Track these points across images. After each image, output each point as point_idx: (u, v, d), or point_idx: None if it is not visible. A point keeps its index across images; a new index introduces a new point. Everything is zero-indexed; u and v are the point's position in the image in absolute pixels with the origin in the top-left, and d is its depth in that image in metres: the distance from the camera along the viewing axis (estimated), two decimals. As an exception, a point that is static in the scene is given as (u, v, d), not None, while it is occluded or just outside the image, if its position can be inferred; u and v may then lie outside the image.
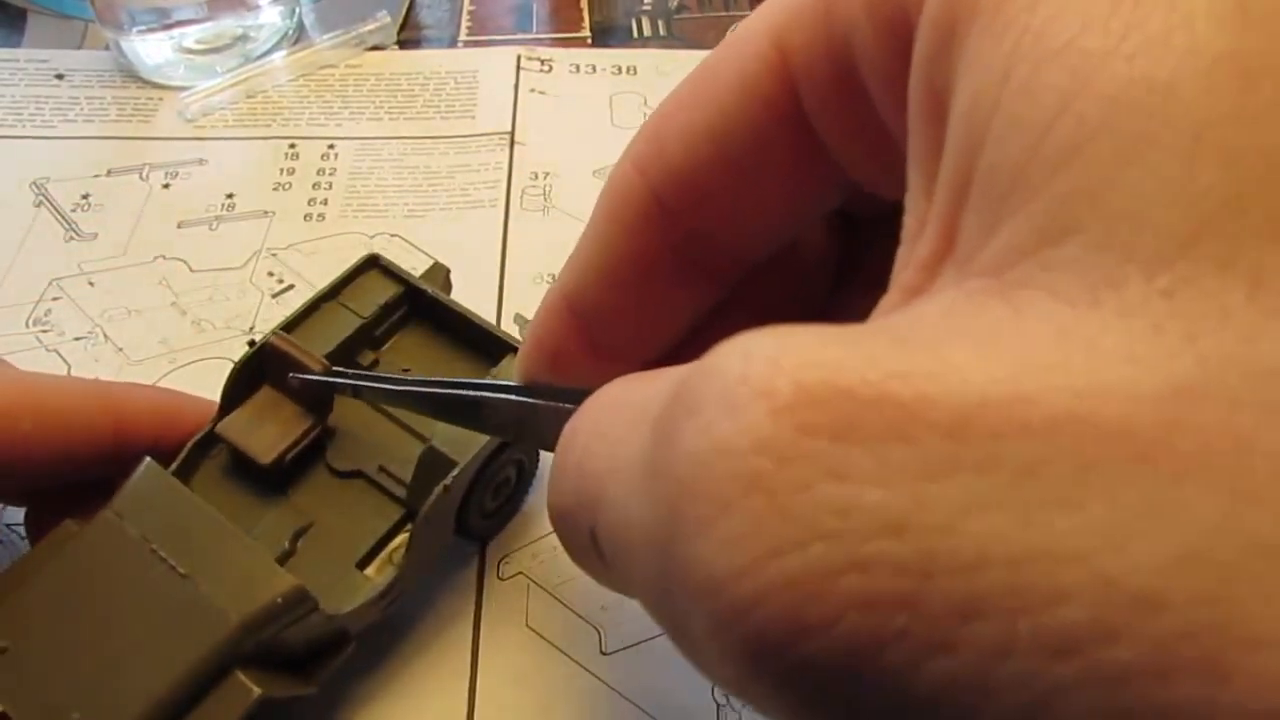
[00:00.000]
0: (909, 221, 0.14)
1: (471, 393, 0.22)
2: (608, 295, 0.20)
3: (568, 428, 0.17)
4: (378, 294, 0.32)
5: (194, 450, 0.29)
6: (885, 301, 0.14)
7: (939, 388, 0.11)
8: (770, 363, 0.12)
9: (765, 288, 0.21)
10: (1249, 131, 0.10)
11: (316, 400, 0.29)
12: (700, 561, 0.12)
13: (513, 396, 0.22)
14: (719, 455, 0.11)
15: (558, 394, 0.21)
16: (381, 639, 0.30)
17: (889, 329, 0.12)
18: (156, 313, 0.40)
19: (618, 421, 0.15)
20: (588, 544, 0.16)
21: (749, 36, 0.17)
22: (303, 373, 0.28)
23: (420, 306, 0.33)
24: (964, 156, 0.13)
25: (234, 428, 0.29)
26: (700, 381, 0.12)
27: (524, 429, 0.22)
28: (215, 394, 0.30)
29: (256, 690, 0.23)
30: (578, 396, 0.17)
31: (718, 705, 0.30)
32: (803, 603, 0.11)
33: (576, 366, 0.21)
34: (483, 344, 0.32)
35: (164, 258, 0.43)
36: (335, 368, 0.29)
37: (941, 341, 0.11)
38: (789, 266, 0.22)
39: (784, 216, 0.19)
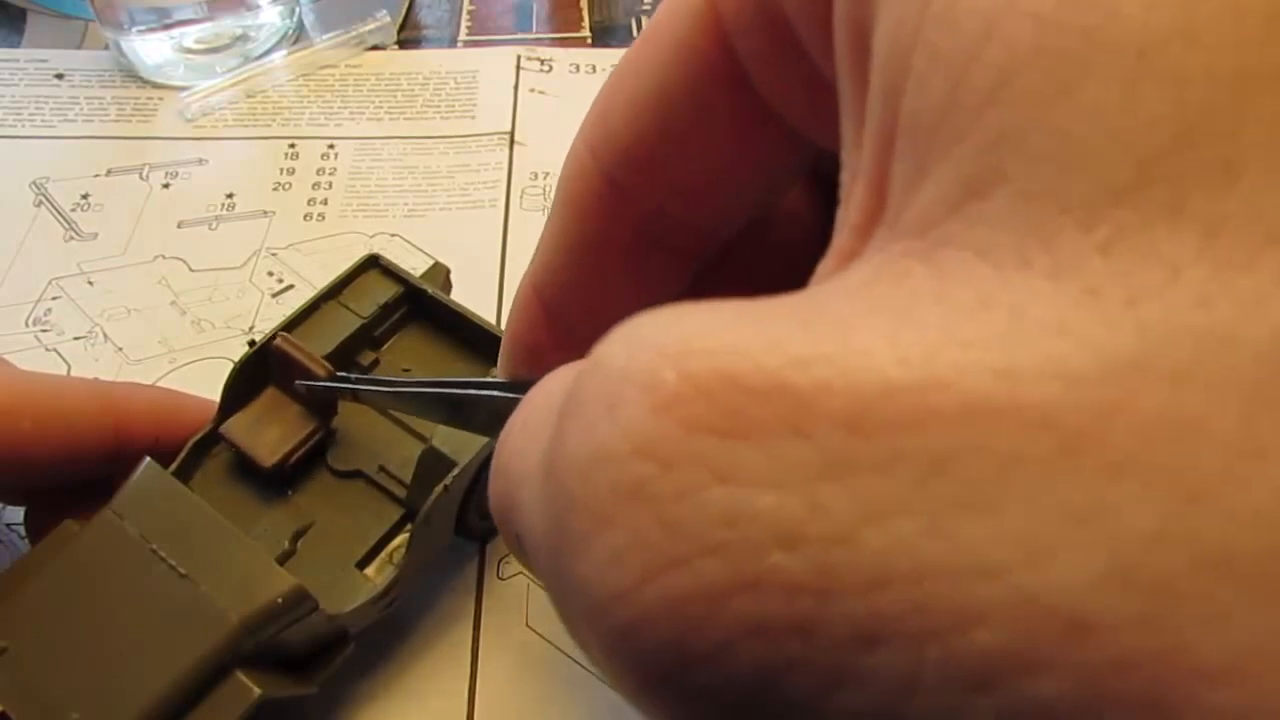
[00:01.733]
0: (844, 178, 0.13)
1: (467, 391, 0.22)
2: (574, 283, 0.19)
3: (507, 424, 0.16)
4: (378, 294, 0.32)
5: (194, 450, 0.29)
6: (820, 269, 0.12)
7: (838, 373, 0.09)
8: (656, 351, 0.10)
9: (749, 263, 0.20)
10: (1201, 51, 0.09)
11: (321, 403, 0.29)
12: (583, 580, 0.10)
13: (509, 394, 0.21)
14: (598, 461, 0.10)
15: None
16: (381, 639, 0.30)
17: (804, 304, 0.11)
18: (156, 312, 0.40)
19: (534, 418, 0.14)
20: (517, 549, 0.14)
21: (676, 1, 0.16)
22: (305, 375, 0.28)
23: (420, 306, 0.33)
24: (888, 99, 0.11)
25: (238, 429, 0.29)
26: (586, 376, 0.11)
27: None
28: (215, 394, 0.30)
29: (256, 690, 0.23)
30: None
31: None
32: (687, 629, 0.09)
33: (552, 359, 0.20)
34: (483, 344, 0.32)
35: (164, 257, 0.43)
36: (339, 373, 0.28)
37: (853, 317, 0.10)
38: (772, 240, 0.20)
39: (743, 185, 0.18)
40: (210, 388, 0.30)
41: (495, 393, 0.21)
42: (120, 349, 0.39)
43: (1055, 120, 0.09)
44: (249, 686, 0.23)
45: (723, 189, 0.18)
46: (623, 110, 0.17)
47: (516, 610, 0.32)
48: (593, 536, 0.10)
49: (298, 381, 0.28)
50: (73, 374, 0.38)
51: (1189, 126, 0.09)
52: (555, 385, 0.14)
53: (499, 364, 0.22)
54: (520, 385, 0.20)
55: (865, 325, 0.10)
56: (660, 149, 0.17)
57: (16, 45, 0.52)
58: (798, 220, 0.21)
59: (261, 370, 0.30)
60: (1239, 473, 0.08)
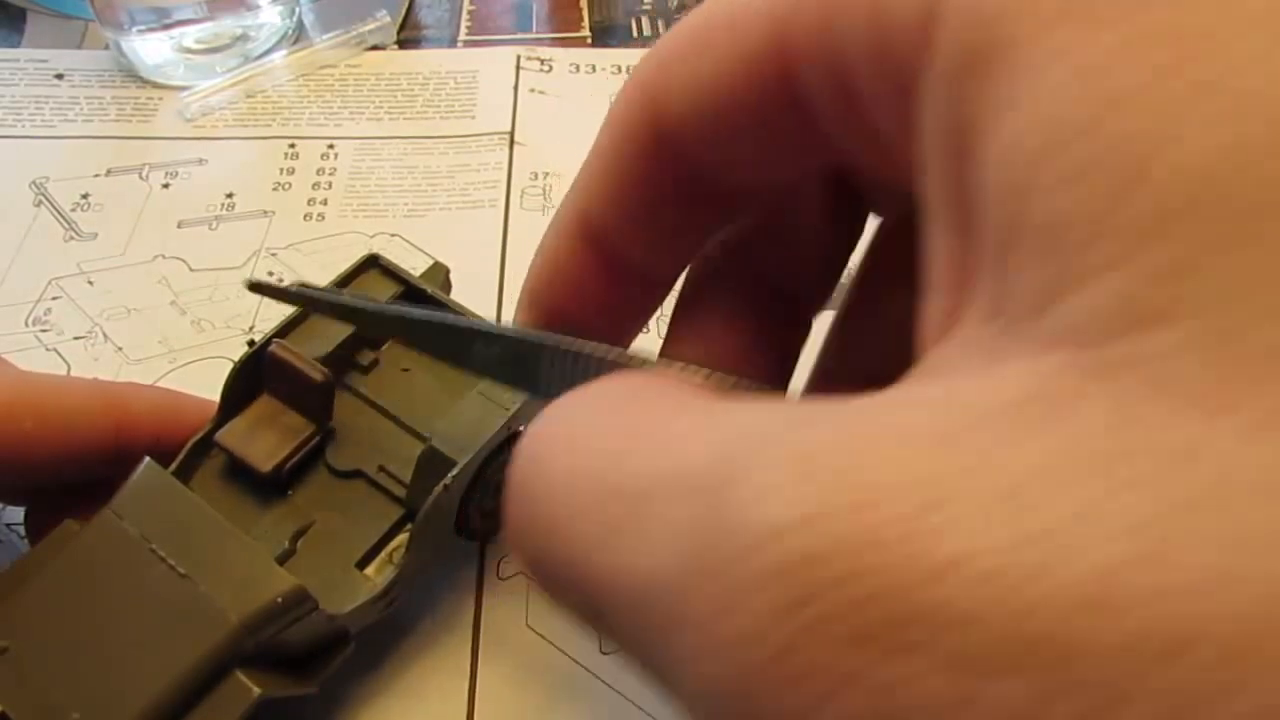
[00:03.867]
0: (936, 265, 0.12)
1: (465, 323, 0.21)
2: (621, 214, 0.19)
3: (537, 420, 0.14)
4: (378, 293, 0.32)
5: (194, 450, 0.29)
6: (928, 361, 0.12)
7: (1025, 579, 0.08)
8: (820, 530, 0.09)
9: (765, 253, 0.21)
10: None
11: (316, 407, 0.29)
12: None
13: (510, 334, 0.20)
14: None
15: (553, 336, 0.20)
16: (381, 639, 0.30)
17: (940, 424, 0.09)
18: (156, 312, 0.40)
19: (585, 432, 0.13)
20: (545, 579, 0.13)
21: (749, 15, 0.16)
22: (302, 381, 0.28)
23: (420, 306, 0.33)
24: (1008, 201, 0.11)
25: (233, 436, 0.29)
26: (721, 523, 0.10)
27: (520, 369, 0.20)
28: (215, 394, 0.30)
29: (256, 690, 0.23)
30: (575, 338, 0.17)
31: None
32: None
33: (590, 286, 0.20)
34: None
35: (164, 257, 0.43)
36: (305, 286, 0.26)
37: (1050, 469, 0.09)
38: (790, 234, 0.21)
39: (784, 171, 0.18)
40: (210, 388, 0.30)
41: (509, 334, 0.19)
42: (120, 349, 0.39)
43: (1243, 259, 0.09)
44: (248, 686, 0.23)
45: (765, 172, 0.18)
46: (682, 76, 0.17)
47: (516, 610, 0.32)
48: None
49: (250, 283, 0.25)
50: (73, 374, 0.38)
51: None
52: (616, 390, 0.14)
53: (524, 290, 0.21)
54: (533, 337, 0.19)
55: (1071, 486, 0.08)
56: (708, 126, 0.17)
57: (16, 45, 0.52)
58: (809, 223, 0.21)
59: (261, 371, 0.30)
60: None
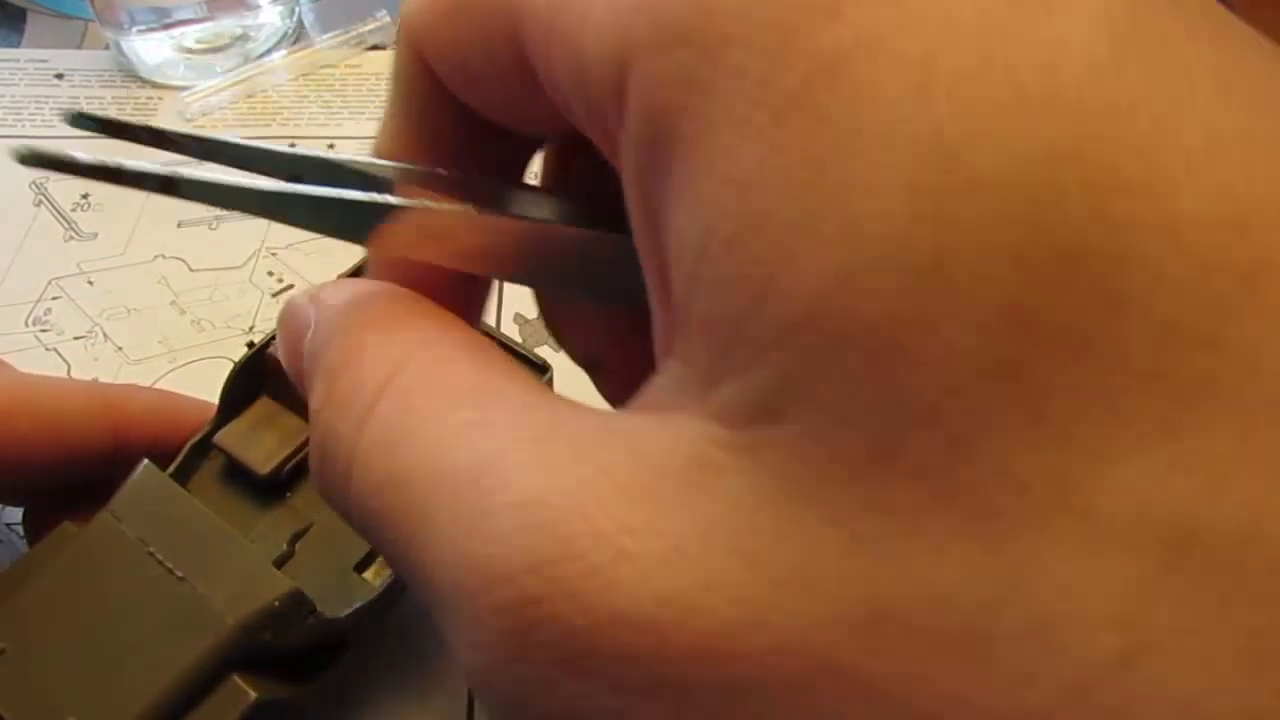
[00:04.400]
0: (651, 298, 0.14)
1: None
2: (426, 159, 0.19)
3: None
4: None
5: (192, 452, 0.29)
6: (646, 394, 0.14)
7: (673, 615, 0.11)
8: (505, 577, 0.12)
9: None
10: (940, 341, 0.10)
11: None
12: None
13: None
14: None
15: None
16: (381, 640, 0.30)
17: (636, 479, 0.12)
18: (156, 312, 0.40)
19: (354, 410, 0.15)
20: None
21: None
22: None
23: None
24: (682, 287, 0.12)
25: (231, 438, 0.29)
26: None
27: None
28: (214, 394, 0.30)
29: (253, 694, 0.23)
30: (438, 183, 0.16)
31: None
32: None
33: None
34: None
35: (163, 257, 0.43)
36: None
37: (680, 531, 0.12)
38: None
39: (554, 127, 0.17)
40: (210, 388, 0.30)
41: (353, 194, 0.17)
42: (120, 349, 0.39)
43: (837, 373, 0.11)
44: (245, 690, 0.23)
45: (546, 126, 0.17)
46: (439, 38, 0.17)
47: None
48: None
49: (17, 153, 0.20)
50: (72, 374, 0.38)
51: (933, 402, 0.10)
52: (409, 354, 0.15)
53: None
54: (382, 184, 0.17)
55: (702, 555, 0.11)
56: (471, 84, 0.17)
57: (16, 45, 0.52)
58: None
59: (260, 372, 0.30)
60: None
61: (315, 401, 0.16)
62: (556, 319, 0.21)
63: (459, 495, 0.13)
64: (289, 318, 0.19)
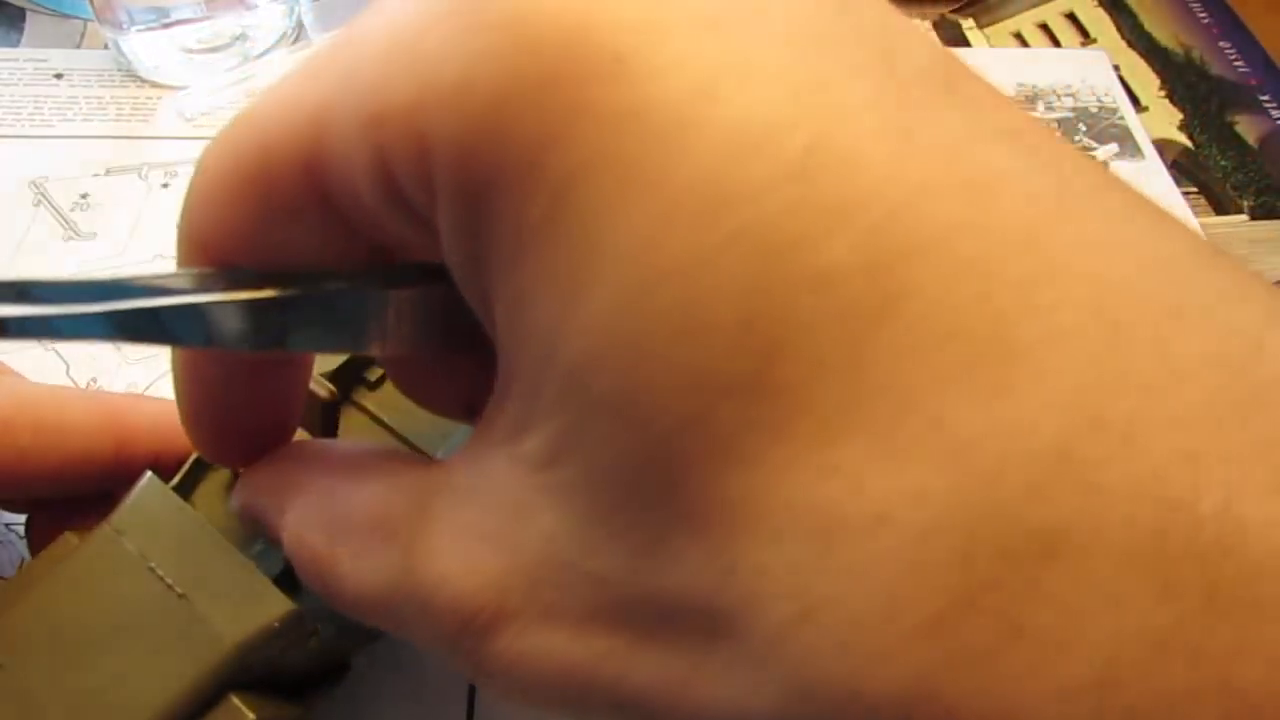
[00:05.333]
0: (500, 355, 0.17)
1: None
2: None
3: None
4: None
5: (195, 465, 0.29)
6: (480, 434, 0.17)
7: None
8: None
9: None
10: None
11: (321, 424, 0.29)
12: None
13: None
14: None
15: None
16: (382, 640, 0.30)
17: (485, 522, 0.16)
18: (155, 316, 0.40)
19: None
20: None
21: (283, 154, 0.17)
22: (309, 401, 0.28)
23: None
24: (503, 350, 0.16)
25: None
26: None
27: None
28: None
29: (251, 715, 0.23)
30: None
31: None
32: None
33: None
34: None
35: (163, 257, 0.43)
36: None
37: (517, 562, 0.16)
38: None
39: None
40: (208, 396, 0.30)
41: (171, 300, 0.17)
42: (119, 348, 0.39)
43: (608, 431, 0.14)
44: (243, 711, 0.23)
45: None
46: (224, 227, 0.19)
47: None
48: None
49: None
50: (71, 373, 0.38)
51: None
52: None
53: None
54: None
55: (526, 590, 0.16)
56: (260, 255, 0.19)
57: (15, 45, 0.52)
58: None
59: None
60: None
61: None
62: (405, 388, 0.24)
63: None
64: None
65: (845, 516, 0.12)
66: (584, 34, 0.13)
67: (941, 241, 0.12)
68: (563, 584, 0.15)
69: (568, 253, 0.14)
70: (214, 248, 0.19)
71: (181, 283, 0.18)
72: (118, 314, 0.17)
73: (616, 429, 0.14)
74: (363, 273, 0.19)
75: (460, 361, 0.22)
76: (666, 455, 0.13)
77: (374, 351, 0.20)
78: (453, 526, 0.17)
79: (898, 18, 0.15)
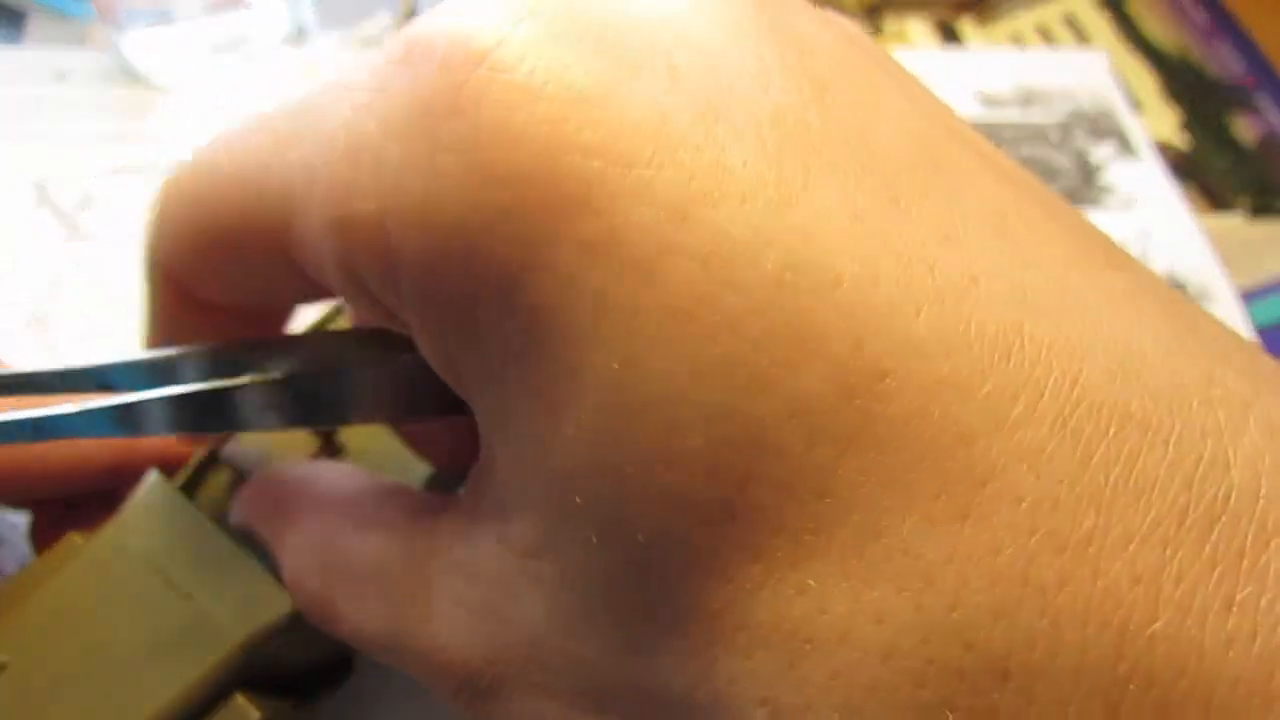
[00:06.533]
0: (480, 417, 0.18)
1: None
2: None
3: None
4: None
5: (200, 465, 0.29)
6: (474, 488, 0.19)
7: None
8: None
9: None
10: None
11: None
12: None
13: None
14: None
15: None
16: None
17: (477, 594, 0.18)
18: (157, 316, 0.40)
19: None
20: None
21: (260, 217, 0.18)
22: None
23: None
24: (485, 434, 0.17)
25: (240, 451, 0.29)
26: None
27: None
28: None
29: (256, 713, 0.23)
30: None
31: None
32: None
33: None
34: None
35: (164, 259, 0.42)
36: None
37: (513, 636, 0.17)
38: None
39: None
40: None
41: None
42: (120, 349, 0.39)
43: (571, 542, 0.16)
44: (248, 708, 0.23)
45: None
46: (197, 270, 0.21)
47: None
48: None
49: None
50: (73, 375, 0.38)
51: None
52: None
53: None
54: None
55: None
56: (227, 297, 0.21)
57: (17, 45, 0.52)
58: None
59: None
60: None
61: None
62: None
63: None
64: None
65: (813, 633, 0.13)
66: (550, 163, 0.14)
67: (913, 362, 0.13)
68: (552, 665, 0.16)
69: (549, 375, 0.14)
70: (186, 284, 0.21)
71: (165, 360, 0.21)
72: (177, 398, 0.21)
73: (600, 539, 0.15)
74: (335, 347, 0.20)
75: (438, 423, 0.22)
76: (647, 567, 0.14)
77: (354, 422, 0.21)
78: (449, 595, 0.18)
79: (883, 94, 0.15)
